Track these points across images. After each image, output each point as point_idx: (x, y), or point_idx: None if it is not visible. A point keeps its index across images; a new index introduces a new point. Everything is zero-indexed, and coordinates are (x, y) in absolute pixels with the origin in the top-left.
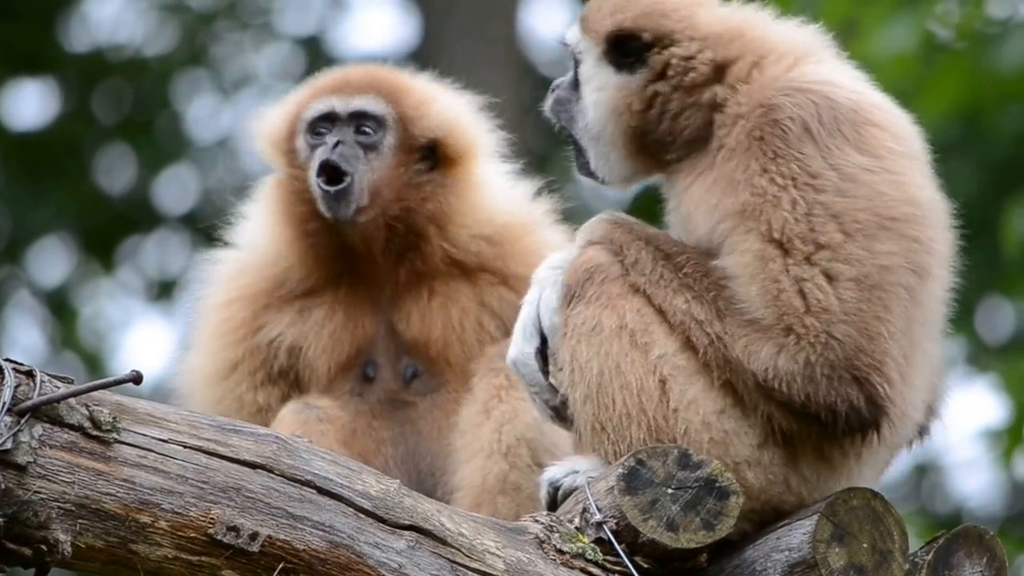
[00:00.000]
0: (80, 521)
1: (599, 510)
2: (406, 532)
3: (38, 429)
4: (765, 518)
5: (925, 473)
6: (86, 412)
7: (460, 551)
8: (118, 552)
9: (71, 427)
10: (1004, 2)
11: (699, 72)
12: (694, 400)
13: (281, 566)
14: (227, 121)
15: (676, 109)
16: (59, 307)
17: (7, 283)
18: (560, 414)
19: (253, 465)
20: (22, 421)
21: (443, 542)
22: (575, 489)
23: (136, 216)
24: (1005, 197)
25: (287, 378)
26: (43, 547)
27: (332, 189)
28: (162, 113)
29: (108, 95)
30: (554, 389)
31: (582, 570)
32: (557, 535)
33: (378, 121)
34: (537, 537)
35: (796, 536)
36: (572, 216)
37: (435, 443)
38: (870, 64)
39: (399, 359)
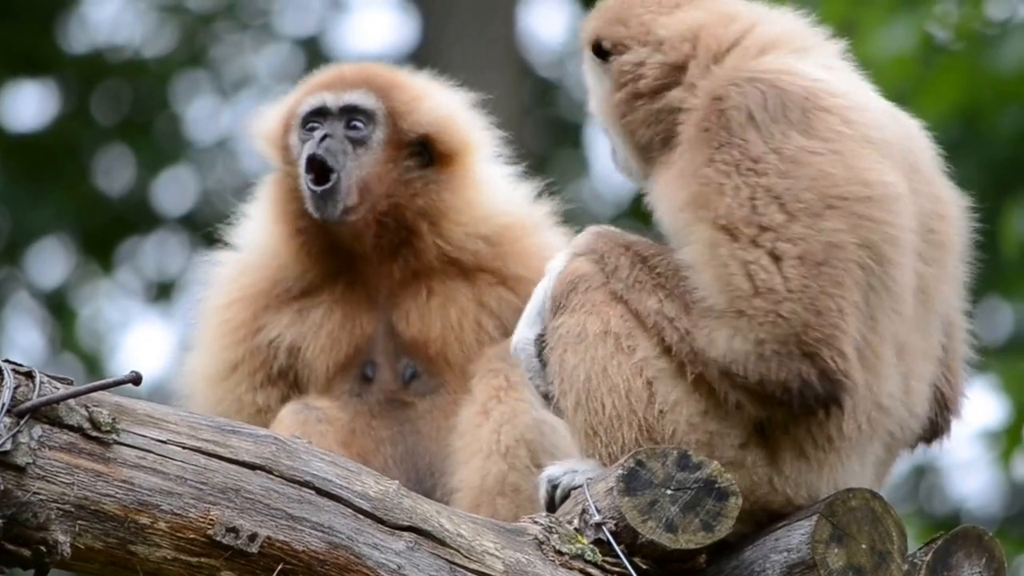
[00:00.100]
0: (79, 522)
1: (598, 511)
2: (405, 533)
3: (37, 430)
4: (757, 518)
5: (923, 474)
6: (85, 413)
7: (459, 552)
8: (117, 553)
9: (70, 428)
10: (1003, 3)
11: (651, 77)
12: (678, 402)
13: (280, 567)
14: (226, 122)
15: (643, 116)
16: (58, 308)
17: (6, 284)
18: (551, 399)
19: (252, 466)
20: (21, 422)
21: (442, 543)
22: (573, 488)
23: (135, 217)
24: (1004, 198)
25: (287, 379)
26: (42, 548)
27: (319, 188)
28: (161, 114)
29: (107, 96)
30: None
31: (581, 571)
32: (556, 536)
33: (368, 115)
34: (536, 538)
35: (795, 537)
36: (572, 218)
37: (434, 444)
38: (869, 65)
39: (398, 359)
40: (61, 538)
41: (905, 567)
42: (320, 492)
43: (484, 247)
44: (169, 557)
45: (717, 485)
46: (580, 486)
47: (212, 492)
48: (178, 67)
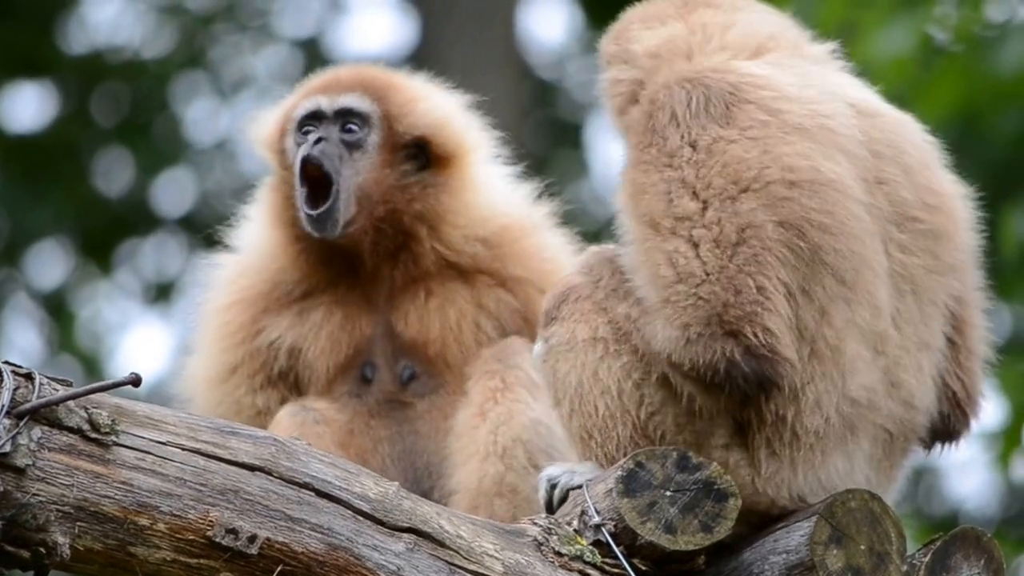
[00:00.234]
0: (79, 524)
1: (597, 512)
2: (405, 534)
3: (37, 432)
4: (749, 519)
5: (921, 475)
6: (85, 415)
7: (459, 553)
8: (117, 555)
9: (70, 430)
10: (1002, 5)
11: (622, 94)
12: (665, 402)
13: (280, 568)
14: (225, 123)
15: (622, 129)
16: (57, 309)
17: (5, 285)
18: None
19: (252, 467)
20: (21, 424)
21: (442, 544)
22: (572, 488)
23: (134, 218)
24: (1003, 200)
25: (286, 380)
26: (42, 550)
27: (315, 212)
28: (160, 115)
29: (106, 97)
30: None
31: (580, 572)
32: (555, 537)
33: (363, 118)
34: (535, 539)
35: (794, 538)
36: (572, 219)
37: (432, 445)
38: (869, 67)
39: (396, 360)
40: (60, 540)
41: (904, 568)
42: (319, 493)
43: (482, 249)
44: (168, 558)
45: (716, 486)
46: (579, 486)
47: (211, 493)
48: (177, 68)
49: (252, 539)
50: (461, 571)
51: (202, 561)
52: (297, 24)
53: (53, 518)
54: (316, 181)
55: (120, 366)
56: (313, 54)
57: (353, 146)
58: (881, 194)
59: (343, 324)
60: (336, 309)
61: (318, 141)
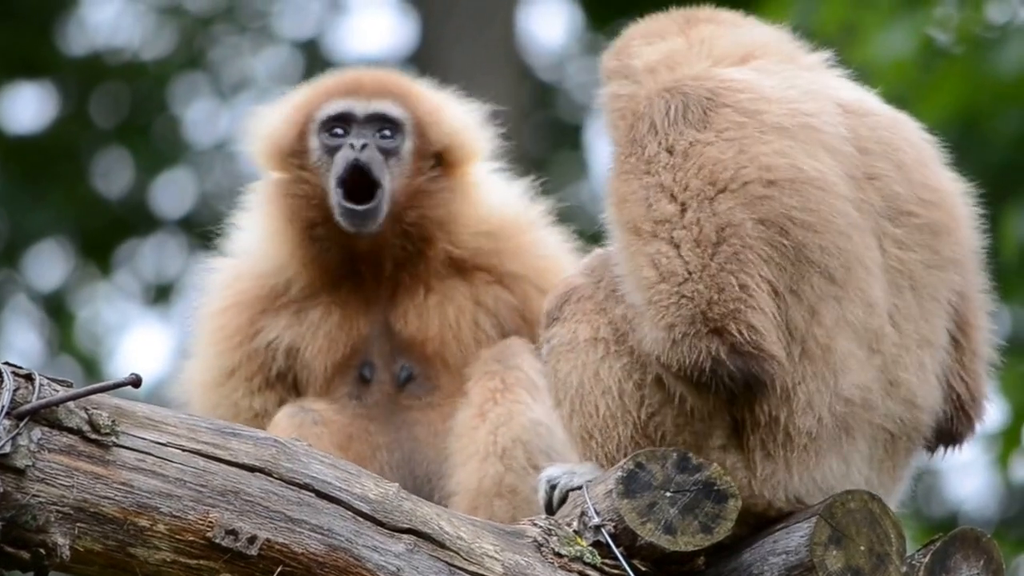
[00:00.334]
0: (79, 525)
1: (597, 513)
2: (405, 535)
3: (37, 432)
4: (749, 521)
5: (921, 476)
6: (85, 416)
7: (459, 554)
8: (117, 556)
9: (70, 431)
10: (1003, 6)
11: (619, 109)
12: (664, 403)
13: (280, 569)
14: (225, 125)
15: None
16: (56, 310)
17: (4, 287)
18: None
19: (252, 468)
20: (21, 425)
21: (442, 545)
22: (572, 489)
23: (133, 220)
24: (1003, 201)
25: (284, 382)
26: (42, 551)
27: (361, 208)
28: (160, 116)
29: (106, 98)
30: None
31: (580, 573)
32: (555, 538)
33: (396, 125)
34: (535, 540)
35: (794, 539)
36: (570, 217)
37: (431, 446)
38: (869, 69)
39: (395, 360)
40: (60, 540)
41: (903, 569)
42: (320, 494)
43: (484, 243)
44: (168, 559)
45: (716, 487)
46: (579, 487)
47: (211, 494)
48: (177, 69)
49: (252, 540)
50: (461, 572)
51: (202, 562)
52: (297, 25)
53: (53, 519)
54: (355, 184)
55: (120, 367)
56: (313, 55)
57: (390, 153)
58: (872, 189)
59: (341, 323)
60: (334, 309)
61: (364, 147)
